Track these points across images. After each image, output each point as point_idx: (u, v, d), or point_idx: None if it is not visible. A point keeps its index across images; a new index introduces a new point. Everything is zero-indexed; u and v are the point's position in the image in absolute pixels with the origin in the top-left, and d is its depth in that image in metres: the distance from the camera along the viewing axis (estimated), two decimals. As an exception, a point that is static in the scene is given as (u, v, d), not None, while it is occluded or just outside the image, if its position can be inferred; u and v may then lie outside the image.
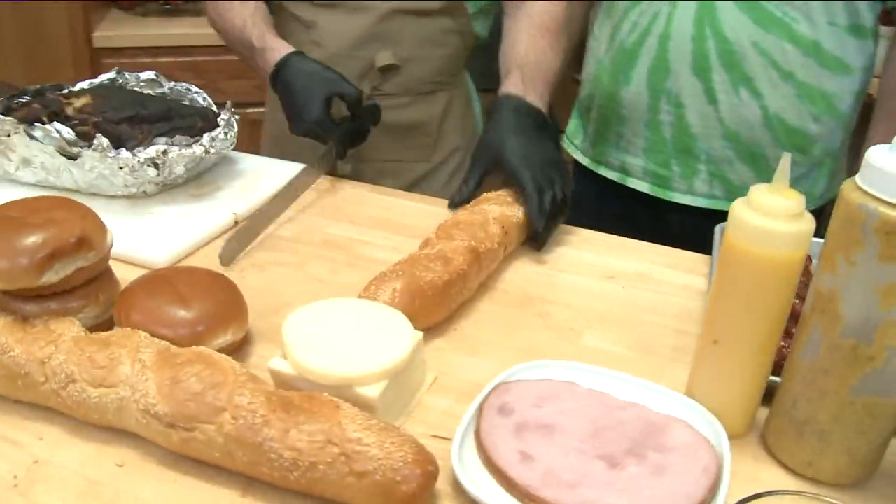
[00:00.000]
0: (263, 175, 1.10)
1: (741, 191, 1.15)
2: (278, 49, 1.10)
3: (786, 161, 0.60)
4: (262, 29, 1.14)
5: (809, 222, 0.61)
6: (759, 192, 0.61)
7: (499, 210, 0.92)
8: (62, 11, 2.11)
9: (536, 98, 1.06)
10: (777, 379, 0.67)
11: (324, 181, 1.14)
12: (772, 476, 0.65)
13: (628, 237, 1.02)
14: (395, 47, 1.19)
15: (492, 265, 0.89)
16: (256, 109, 2.43)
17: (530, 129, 1.01)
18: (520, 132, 1.00)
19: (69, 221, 0.71)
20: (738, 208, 0.62)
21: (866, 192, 0.56)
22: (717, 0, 1.03)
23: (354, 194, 1.11)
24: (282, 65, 1.08)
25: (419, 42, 1.21)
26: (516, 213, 0.93)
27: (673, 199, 1.16)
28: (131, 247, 0.89)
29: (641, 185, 1.20)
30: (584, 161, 1.27)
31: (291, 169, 1.13)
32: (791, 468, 0.65)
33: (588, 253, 0.98)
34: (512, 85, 1.07)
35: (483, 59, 1.31)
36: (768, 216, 0.60)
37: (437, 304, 0.79)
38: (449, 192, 1.11)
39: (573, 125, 1.34)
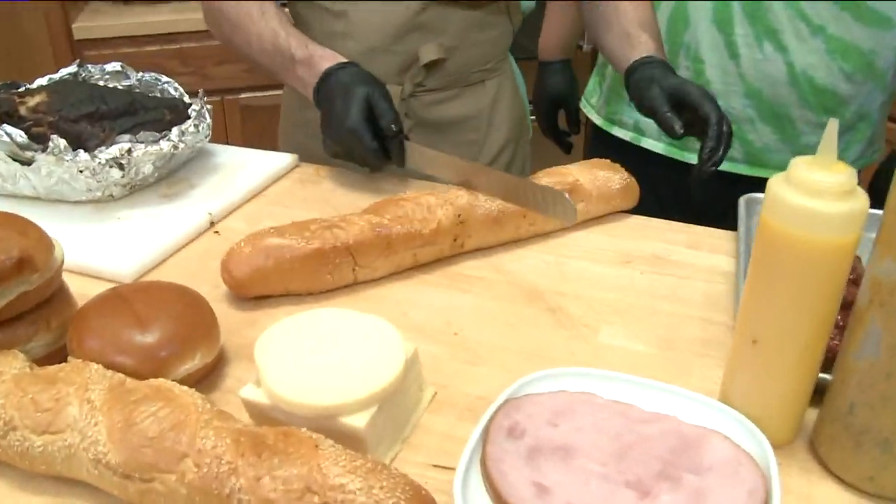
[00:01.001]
0: (241, 168, 1.01)
1: (762, 154, 1.08)
2: (327, 58, 0.95)
3: (833, 127, 0.51)
4: (302, 39, 0.98)
5: (862, 200, 0.52)
6: (800, 166, 0.52)
7: (465, 199, 0.83)
8: (38, 4, 2.02)
9: (660, 54, 0.97)
10: (827, 377, 0.58)
11: (307, 168, 1.05)
12: (826, 492, 0.56)
13: (646, 206, 0.93)
14: (440, 38, 1.05)
15: (420, 252, 0.81)
16: (247, 95, 2.35)
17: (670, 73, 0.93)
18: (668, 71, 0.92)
19: (6, 240, 0.62)
20: (776, 186, 0.53)
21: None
22: None
23: (339, 182, 1.02)
24: (329, 73, 0.93)
25: (465, 29, 1.07)
26: (486, 205, 0.83)
27: (689, 161, 1.08)
28: (95, 258, 0.81)
29: (656, 146, 1.13)
30: (598, 121, 1.22)
31: (272, 159, 1.04)
32: (849, 482, 0.57)
33: (599, 235, 0.88)
34: (634, 51, 0.96)
35: (521, 29, 1.19)
36: (812, 194, 0.51)
37: (294, 271, 0.76)
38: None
39: (591, 84, 1.30)
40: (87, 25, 2.07)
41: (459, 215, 0.81)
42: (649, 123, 1.10)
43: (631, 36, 0.98)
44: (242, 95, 2.25)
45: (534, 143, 1.33)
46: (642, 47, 0.96)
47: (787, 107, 1.03)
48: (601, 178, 0.90)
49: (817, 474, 0.58)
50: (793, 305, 0.54)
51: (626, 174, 0.92)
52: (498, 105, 1.16)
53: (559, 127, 1.41)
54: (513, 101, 1.20)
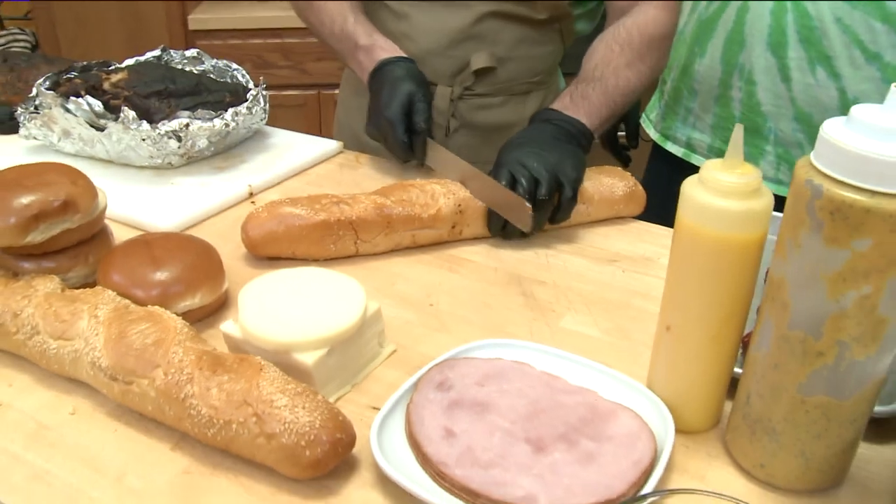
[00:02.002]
0: (289, 150, 1.13)
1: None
2: (387, 50, 1.07)
3: (738, 132, 0.56)
4: (368, 27, 1.11)
5: (766, 200, 0.56)
6: (710, 167, 0.57)
7: (467, 192, 0.91)
8: (160, -2, 2.24)
9: (583, 113, 0.99)
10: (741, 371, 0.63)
11: (349, 155, 1.16)
12: (721, 476, 0.61)
13: None
14: (492, 48, 1.13)
15: (419, 234, 0.89)
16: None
17: (548, 138, 0.95)
18: (533, 138, 0.95)
19: (58, 185, 0.75)
20: (688, 187, 0.58)
21: (814, 167, 0.51)
22: None
23: (376, 169, 1.11)
24: (385, 63, 1.05)
25: (517, 43, 1.14)
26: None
27: None
28: (144, 214, 0.94)
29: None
30: (654, 136, 1.25)
31: (318, 144, 1.15)
32: (745, 469, 0.61)
33: (595, 235, 0.94)
34: (559, 101, 1.02)
35: (575, 45, 1.25)
36: (719, 193, 0.56)
37: (301, 237, 0.85)
38: None
39: (652, 100, 1.32)
40: (201, 17, 2.27)
41: (459, 205, 0.89)
42: (700, 141, 1.13)
43: (579, 81, 1.03)
44: (337, 91, 2.40)
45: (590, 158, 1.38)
46: (559, 99, 1.01)
47: None
48: (606, 183, 0.96)
49: (721, 460, 0.62)
50: (701, 295, 0.59)
51: (633, 182, 0.98)
52: None
53: (618, 141, 1.46)
54: None
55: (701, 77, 1.10)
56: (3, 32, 2.62)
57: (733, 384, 0.63)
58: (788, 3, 0.97)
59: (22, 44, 2.46)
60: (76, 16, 2.32)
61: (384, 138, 1.02)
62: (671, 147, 1.20)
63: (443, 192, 0.90)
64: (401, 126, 0.99)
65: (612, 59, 1.03)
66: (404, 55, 1.06)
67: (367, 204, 0.87)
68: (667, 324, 0.62)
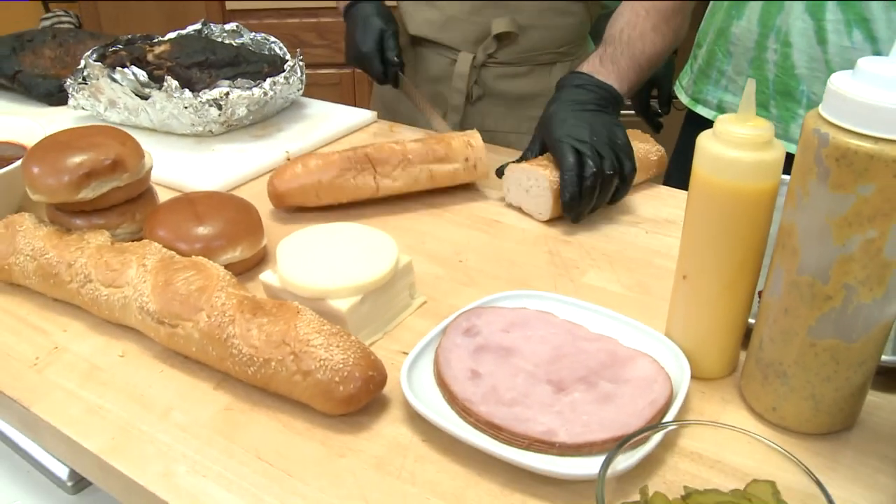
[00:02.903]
0: (325, 119, 1.17)
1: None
2: None
3: (750, 86, 0.58)
4: None
5: (777, 152, 0.59)
6: (724, 121, 0.59)
7: (481, 150, 0.96)
8: (199, -26, 2.29)
9: (613, 77, 1.00)
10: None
11: (383, 124, 1.19)
12: (734, 419, 0.63)
13: None
14: (515, 14, 1.15)
15: (435, 169, 0.94)
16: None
17: (588, 105, 0.96)
18: (575, 108, 0.95)
19: (107, 146, 0.79)
20: (704, 140, 0.61)
21: (822, 117, 0.53)
22: None
23: (409, 138, 1.15)
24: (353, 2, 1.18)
25: (540, 10, 1.16)
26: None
27: None
28: (187, 177, 0.98)
29: None
30: (685, 99, 1.25)
31: (354, 114, 1.19)
32: (758, 412, 0.63)
33: (624, 200, 0.96)
34: (587, 63, 1.02)
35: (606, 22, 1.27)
36: (731, 145, 0.58)
37: (322, 180, 0.90)
38: None
39: (685, 67, 1.32)
40: (238, -3, 2.33)
41: (469, 140, 0.94)
42: (732, 104, 1.14)
43: (606, 44, 1.04)
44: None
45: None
46: (588, 61, 1.02)
47: None
48: (642, 150, 0.98)
49: (735, 405, 0.65)
50: (715, 244, 0.62)
51: (658, 147, 1.00)
52: None
53: (651, 107, 1.47)
54: None
55: (737, 39, 1.10)
56: (49, 14, 2.70)
57: (748, 335, 0.66)
58: None
59: (66, 24, 2.53)
60: (118, -2, 2.39)
61: (363, 69, 1.16)
62: (701, 110, 1.20)
63: (456, 136, 0.96)
64: (376, 59, 1.14)
65: (638, 23, 1.04)
66: None
67: (384, 144, 0.93)
68: (683, 273, 0.65)
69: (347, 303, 0.68)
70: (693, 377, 0.64)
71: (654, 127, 1.50)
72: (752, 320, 0.66)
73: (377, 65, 1.14)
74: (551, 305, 0.72)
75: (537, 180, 0.90)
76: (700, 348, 0.66)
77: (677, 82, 1.33)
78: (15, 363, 0.69)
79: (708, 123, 1.20)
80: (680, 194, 0.99)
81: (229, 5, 2.31)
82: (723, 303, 0.64)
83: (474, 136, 0.95)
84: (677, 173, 1.08)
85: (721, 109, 1.17)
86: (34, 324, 0.75)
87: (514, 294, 0.73)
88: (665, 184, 1.04)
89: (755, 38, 1.08)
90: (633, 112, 1.55)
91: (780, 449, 0.50)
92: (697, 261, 0.63)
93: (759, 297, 0.66)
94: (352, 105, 1.24)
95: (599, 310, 0.71)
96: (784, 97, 1.07)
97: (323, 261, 0.71)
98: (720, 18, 1.13)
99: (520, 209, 0.94)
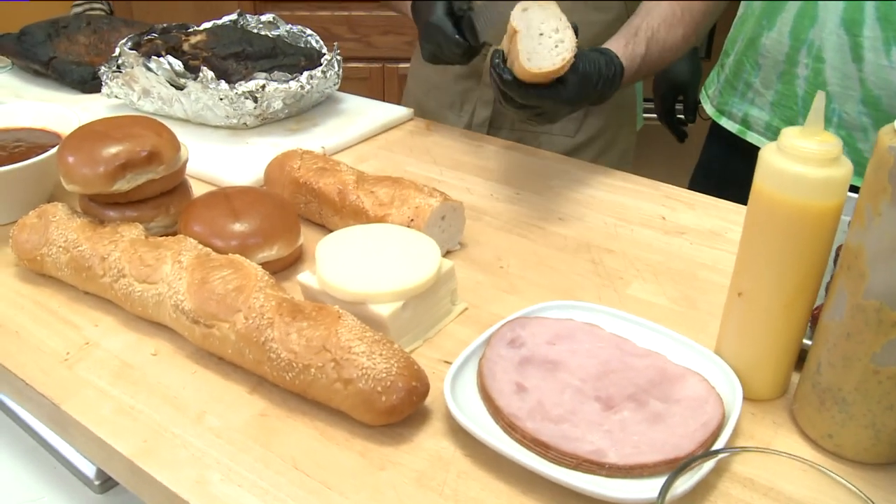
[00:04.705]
0: (361, 115, 1.15)
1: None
2: None
3: (820, 100, 0.55)
4: None
5: (846, 169, 0.56)
6: (789, 134, 0.57)
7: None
8: (232, -34, 2.28)
9: (629, 65, 0.98)
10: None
11: (420, 122, 1.17)
12: (787, 445, 0.61)
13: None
14: None
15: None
16: (406, 65, 2.52)
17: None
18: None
19: (143, 137, 0.78)
20: (767, 153, 0.58)
21: (901, 135, 0.51)
22: None
23: (446, 137, 1.13)
24: None
25: (575, 5, 1.10)
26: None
27: None
28: (220, 170, 0.97)
29: (761, 142, 1.13)
30: (709, 110, 1.22)
31: (391, 110, 1.17)
32: (812, 439, 0.61)
33: (665, 209, 0.94)
34: (614, 41, 1.00)
35: None
36: (798, 160, 0.56)
37: (283, 189, 0.88)
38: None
39: (711, 75, 1.29)
40: (270, -11, 2.31)
41: (412, 220, 0.81)
42: (758, 119, 1.11)
43: (639, 30, 1.01)
44: (401, 65, 2.42)
45: (644, 135, 1.36)
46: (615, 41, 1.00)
47: None
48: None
49: (787, 429, 0.62)
50: (775, 262, 0.59)
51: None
52: None
53: (675, 113, 1.44)
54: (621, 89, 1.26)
55: (766, 51, 1.07)
56: (81, 1, 2.70)
57: (801, 357, 0.63)
58: None
59: (97, 12, 2.53)
60: (150, -14, 2.38)
61: (438, 46, 1.02)
62: (725, 123, 1.17)
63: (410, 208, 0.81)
64: (448, 25, 1.00)
65: (673, 23, 1.02)
66: None
67: (340, 178, 0.85)
68: (739, 290, 0.62)
69: (389, 308, 0.66)
70: (743, 398, 0.62)
71: (677, 136, 1.47)
72: (806, 341, 0.63)
73: (450, 30, 1.00)
74: (597, 318, 0.70)
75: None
76: (753, 369, 0.64)
77: (703, 90, 1.30)
78: (46, 358, 0.68)
79: (732, 138, 1.17)
80: (721, 204, 0.96)
81: (261, -5, 2.30)
82: (780, 323, 0.61)
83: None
84: (699, 187, 1.05)
85: (745, 124, 1.14)
86: (65, 317, 0.73)
87: (559, 304, 0.71)
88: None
89: (786, 50, 1.04)
90: (655, 116, 1.52)
91: (840, 479, 0.48)
92: (755, 278, 0.61)
93: (813, 317, 0.64)
94: (381, 100, 1.22)
95: (647, 323, 0.69)
96: None
97: (364, 263, 0.69)
98: (750, 27, 1.10)
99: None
